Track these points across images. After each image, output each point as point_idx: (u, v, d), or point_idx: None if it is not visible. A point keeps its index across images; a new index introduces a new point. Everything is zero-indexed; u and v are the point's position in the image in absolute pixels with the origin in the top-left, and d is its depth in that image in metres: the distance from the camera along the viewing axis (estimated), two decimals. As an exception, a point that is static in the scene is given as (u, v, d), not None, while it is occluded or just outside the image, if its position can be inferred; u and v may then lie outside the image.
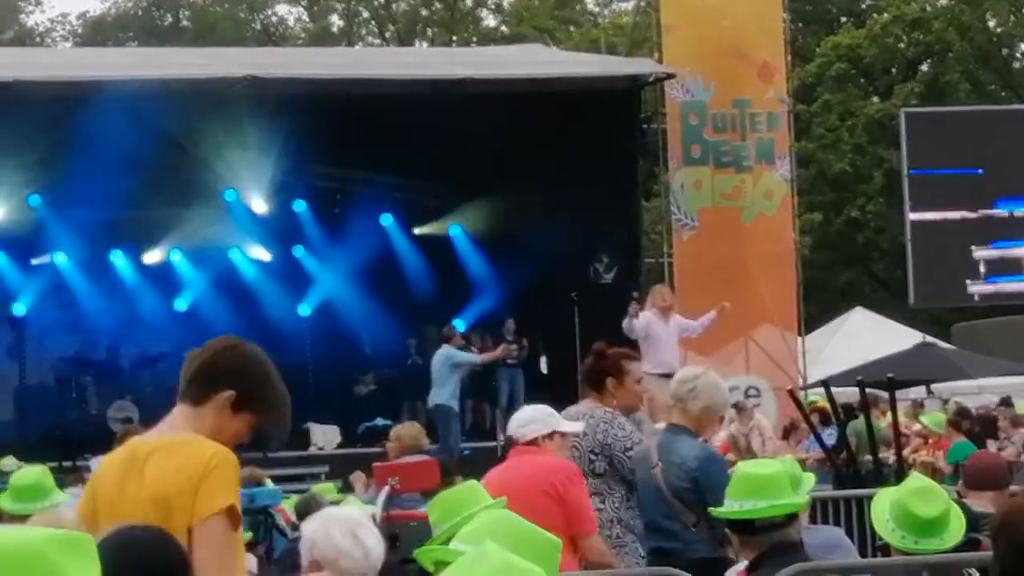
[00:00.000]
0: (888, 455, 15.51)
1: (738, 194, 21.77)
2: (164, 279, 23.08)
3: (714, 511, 5.85)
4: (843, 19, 47.32)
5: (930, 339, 23.01)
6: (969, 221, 25.98)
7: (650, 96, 22.25)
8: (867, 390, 14.62)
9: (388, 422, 18.85)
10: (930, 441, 18.56)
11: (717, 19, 21.82)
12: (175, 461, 4.36)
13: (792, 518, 5.53)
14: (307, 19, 53.29)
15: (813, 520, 8.99)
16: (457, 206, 22.72)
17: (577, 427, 7.63)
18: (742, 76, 21.83)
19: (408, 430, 10.99)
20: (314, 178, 22.47)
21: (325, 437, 20.68)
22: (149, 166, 19.49)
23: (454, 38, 48.99)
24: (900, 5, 43.17)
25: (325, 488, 13.38)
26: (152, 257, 23.06)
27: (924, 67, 44.92)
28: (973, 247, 25.90)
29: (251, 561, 6.95)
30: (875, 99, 43.76)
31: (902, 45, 44.10)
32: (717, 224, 21.51)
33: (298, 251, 23.32)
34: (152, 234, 22.56)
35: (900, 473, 12.74)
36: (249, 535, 6.94)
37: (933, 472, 15.88)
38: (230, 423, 4.52)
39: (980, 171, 26.00)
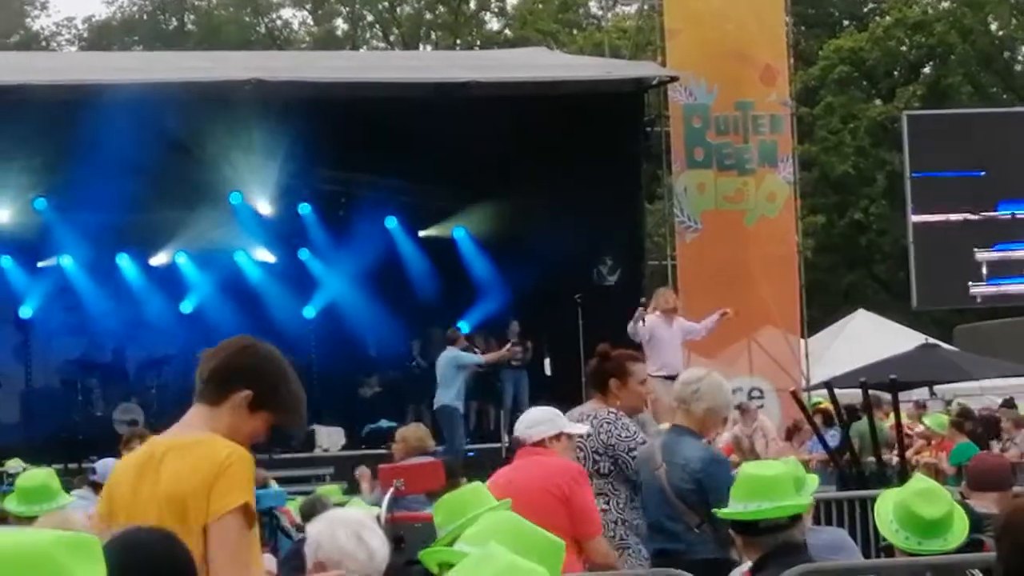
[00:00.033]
0: (891, 456, 15.51)
1: (741, 197, 21.79)
2: (170, 282, 23.10)
3: (719, 512, 5.87)
4: (845, 22, 47.31)
5: (933, 341, 23.07)
6: (971, 223, 25.98)
7: (653, 99, 22.27)
8: (870, 392, 14.63)
9: (392, 424, 18.88)
10: (933, 442, 18.58)
11: (720, 22, 21.84)
12: (190, 461, 4.37)
13: (796, 519, 5.55)
14: (311, 23, 53.29)
15: (817, 521, 9.00)
16: (461, 209, 22.74)
17: (583, 429, 7.66)
18: (745, 79, 21.85)
19: (414, 432, 11.03)
20: (319, 181, 22.49)
21: (330, 439, 20.70)
22: (154, 169, 19.52)
23: (458, 42, 49.01)
24: (902, 8, 43.19)
25: (330, 490, 13.43)
26: (158, 260, 23.10)
27: (926, 70, 44.92)
28: (975, 249, 25.90)
29: (270, 561, 6.97)
30: (877, 102, 43.76)
31: (904, 48, 44.12)
32: (720, 227, 21.52)
33: (303, 254, 23.35)
34: (158, 237, 22.58)
35: (903, 474, 12.75)
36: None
37: (936, 473, 15.90)
38: (247, 423, 4.54)
39: (982, 173, 26.01)
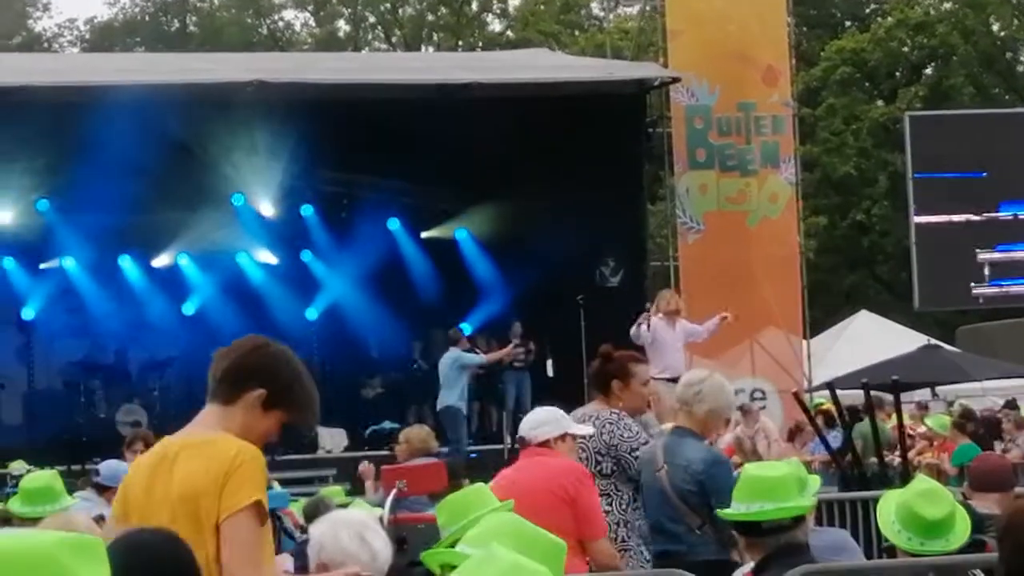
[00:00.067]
0: (893, 457, 15.52)
1: (743, 198, 21.78)
2: (172, 283, 23.12)
3: (721, 513, 5.88)
4: (847, 23, 47.31)
5: (935, 342, 23.07)
6: (973, 224, 25.98)
7: (655, 100, 22.28)
8: (872, 392, 14.62)
9: (395, 425, 18.90)
10: (935, 443, 18.59)
11: (722, 23, 21.84)
12: (202, 460, 4.38)
13: (799, 520, 5.55)
14: (314, 24, 53.32)
15: (819, 522, 9.01)
16: (464, 210, 22.74)
17: (587, 430, 7.66)
18: (747, 80, 21.85)
19: (417, 433, 11.04)
20: (321, 182, 22.50)
21: (332, 440, 20.70)
22: (156, 171, 19.52)
23: (460, 43, 49.03)
24: (904, 9, 43.19)
25: (333, 491, 13.41)
26: (160, 261, 23.11)
27: (928, 71, 44.92)
28: (977, 250, 25.90)
29: (287, 561, 6.97)
30: (879, 103, 43.75)
31: (906, 49, 44.12)
32: (722, 228, 21.52)
33: (305, 255, 23.36)
34: (160, 238, 22.59)
35: (905, 475, 12.75)
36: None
37: (938, 474, 15.91)
38: (260, 421, 4.55)
39: (984, 174, 26.01)
